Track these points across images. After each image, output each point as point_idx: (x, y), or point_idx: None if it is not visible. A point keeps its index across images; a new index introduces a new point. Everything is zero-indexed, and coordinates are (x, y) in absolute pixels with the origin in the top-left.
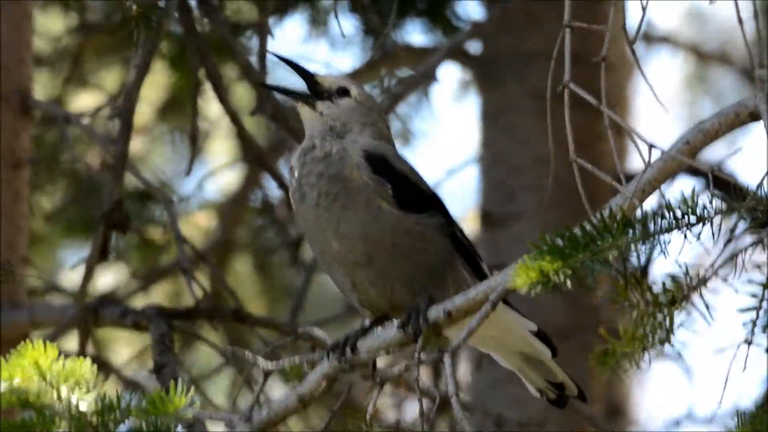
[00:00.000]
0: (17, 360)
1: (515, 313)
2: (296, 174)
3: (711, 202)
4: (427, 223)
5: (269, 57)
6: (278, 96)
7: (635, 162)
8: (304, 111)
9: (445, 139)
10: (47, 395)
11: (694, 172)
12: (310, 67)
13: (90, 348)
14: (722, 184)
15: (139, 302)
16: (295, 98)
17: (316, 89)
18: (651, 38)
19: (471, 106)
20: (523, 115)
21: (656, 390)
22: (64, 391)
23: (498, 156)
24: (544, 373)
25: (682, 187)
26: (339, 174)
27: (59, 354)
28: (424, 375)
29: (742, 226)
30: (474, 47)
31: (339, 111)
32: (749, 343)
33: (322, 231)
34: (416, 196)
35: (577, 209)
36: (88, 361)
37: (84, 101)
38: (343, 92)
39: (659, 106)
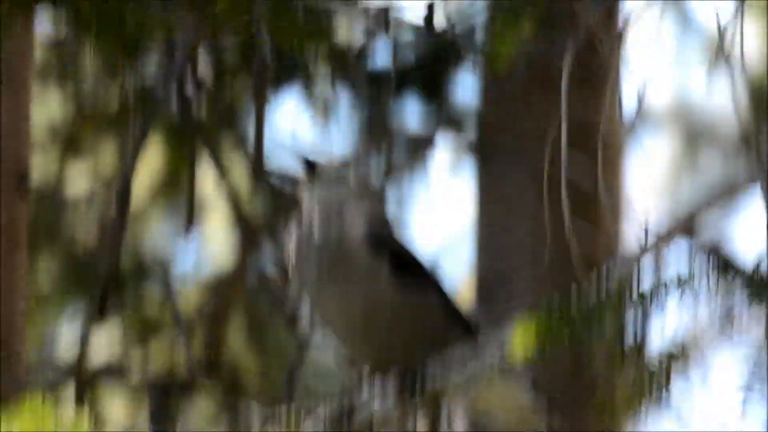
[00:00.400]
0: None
1: (509, 380)
2: (293, 255)
3: (708, 279)
4: (425, 299)
5: (266, 135)
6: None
7: (630, 239)
8: (301, 192)
9: (441, 210)
10: None
11: (691, 243)
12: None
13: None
14: (720, 259)
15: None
16: (290, 182)
17: (313, 172)
18: (643, 119)
19: (465, 183)
20: (520, 196)
21: None
22: None
23: (494, 230)
24: None
25: (678, 257)
26: (337, 255)
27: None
28: None
29: (740, 300)
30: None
31: (335, 191)
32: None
33: (321, 302)
34: (413, 273)
35: (573, 280)
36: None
37: (81, 182)
38: (341, 177)
39: (654, 183)
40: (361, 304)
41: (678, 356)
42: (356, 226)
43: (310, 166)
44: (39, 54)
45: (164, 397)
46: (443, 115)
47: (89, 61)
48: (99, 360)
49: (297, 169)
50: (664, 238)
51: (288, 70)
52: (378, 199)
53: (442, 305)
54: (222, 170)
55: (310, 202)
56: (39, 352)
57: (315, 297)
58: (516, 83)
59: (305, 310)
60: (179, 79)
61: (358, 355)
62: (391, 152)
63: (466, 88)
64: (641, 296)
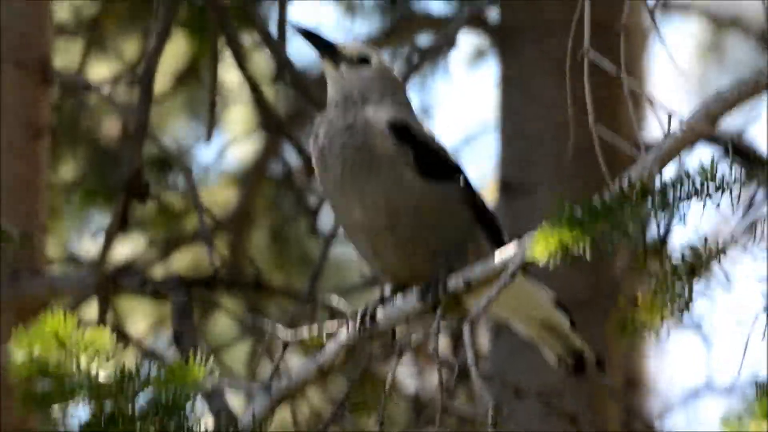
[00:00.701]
0: (37, 330)
1: (534, 282)
2: (319, 143)
3: (730, 171)
4: (450, 192)
5: (289, 26)
6: (299, 64)
7: (653, 131)
8: (329, 70)
9: (463, 107)
10: (66, 365)
11: (713, 140)
12: (329, 35)
13: (109, 318)
14: (741, 152)
15: (158, 272)
16: (321, 50)
17: (337, 57)
18: (667, 5)
19: (489, 75)
20: (542, 83)
21: (675, 360)
22: (83, 360)
23: (517, 125)
24: (563, 340)
25: (700, 156)
26: (363, 144)
27: (79, 324)
28: (443, 345)
29: (761, 194)
30: (492, 16)
31: (359, 78)
32: None
33: (345, 199)
34: (439, 165)
35: (596, 178)
36: (108, 330)
37: (103, 70)
38: (364, 60)
39: (675, 75)
40: (385, 195)
41: (701, 255)
42: (379, 113)
43: (330, 48)
44: None
45: (188, 297)
46: (466, 5)
47: None
48: (121, 260)
49: (317, 53)
50: (688, 131)
51: None
52: (400, 86)
53: (468, 198)
54: (244, 60)
55: (333, 89)
56: (62, 248)
57: (337, 191)
58: None
59: (329, 206)
60: None
61: (380, 257)
62: (413, 40)
63: None
64: (663, 189)
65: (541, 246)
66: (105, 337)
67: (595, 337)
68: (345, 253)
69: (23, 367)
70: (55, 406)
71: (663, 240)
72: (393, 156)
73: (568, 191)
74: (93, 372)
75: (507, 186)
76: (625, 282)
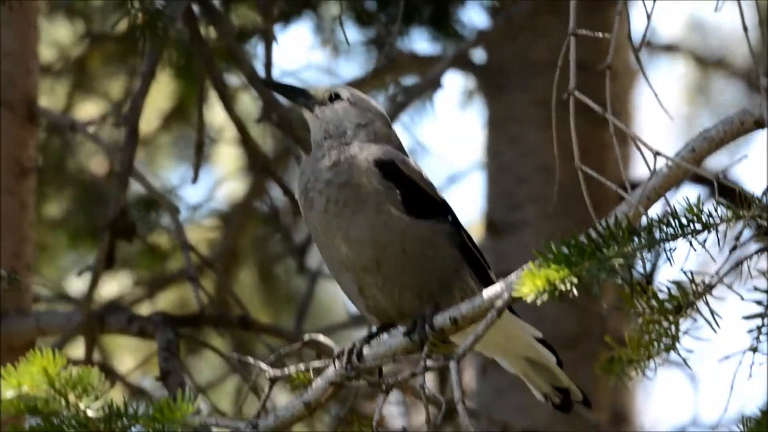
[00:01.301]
0: (25, 367)
1: (519, 320)
2: (304, 182)
3: (716, 210)
4: (436, 229)
5: (275, 65)
6: (284, 102)
7: (638, 170)
8: (306, 115)
9: (449, 146)
10: (55, 402)
11: (698, 180)
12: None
13: (95, 355)
14: (727, 192)
15: (144, 310)
16: (294, 100)
17: (310, 101)
18: (653, 47)
19: (475, 115)
20: (528, 124)
21: (661, 397)
22: (72, 398)
23: (503, 165)
24: (549, 378)
25: (685, 195)
26: (349, 181)
27: (67, 362)
28: (430, 382)
29: (747, 233)
30: (479, 56)
31: (333, 113)
32: (754, 350)
33: (330, 236)
34: (425, 202)
35: (581, 218)
36: (96, 368)
37: (89, 110)
38: (336, 96)
39: (661, 115)
40: (371, 231)
41: (688, 292)
42: (365, 151)
43: (301, 93)
44: None
45: (174, 335)
46: (452, 45)
47: None
48: (108, 297)
49: (291, 102)
50: (673, 169)
51: (299, 1)
52: (380, 115)
53: (455, 235)
54: (230, 100)
55: (313, 131)
56: (49, 286)
57: (323, 229)
58: (524, 11)
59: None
60: (188, 2)
61: (366, 295)
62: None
63: (474, 16)
64: (650, 227)
65: (528, 284)
66: (93, 374)
67: (582, 375)
68: (331, 291)
69: (11, 405)
70: None
71: (649, 278)
72: (379, 193)
73: (554, 231)
74: (81, 409)
75: (493, 225)
76: (611, 320)
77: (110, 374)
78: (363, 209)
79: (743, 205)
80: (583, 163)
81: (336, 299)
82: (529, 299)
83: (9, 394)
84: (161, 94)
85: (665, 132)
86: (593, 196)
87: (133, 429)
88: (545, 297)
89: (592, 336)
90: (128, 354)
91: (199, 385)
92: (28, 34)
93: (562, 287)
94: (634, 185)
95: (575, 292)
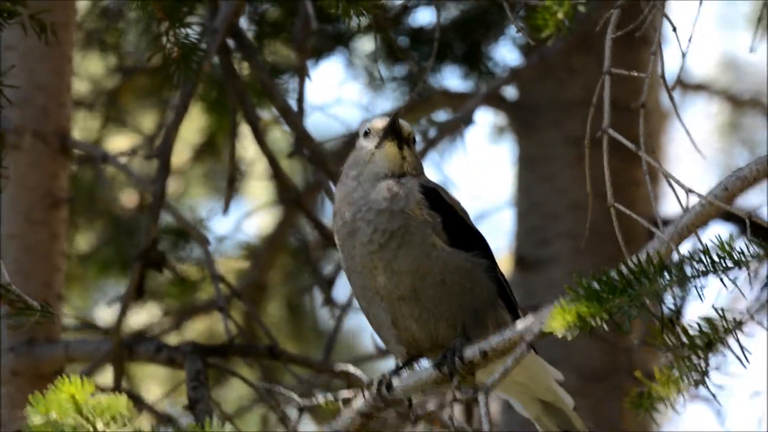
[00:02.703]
0: (54, 395)
1: (543, 361)
2: (350, 209)
3: (747, 248)
4: (476, 262)
5: (306, 99)
6: (316, 137)
7: (668, 208)
8: (390, 150)
9: (479, 182)
10: (83, 429)
11: (728, 218)
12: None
13: (124, 384)
14: (758, 230)
15: (172, 340)
16: (390, 136)
17: (401, 139)
18: (686, 86)
19: (504, 151)
20: (559, 162)
21: None
22: (100, 425)
23: (533, 202)
24: (562, 423)
25: (717, 233)
26: (402, 210)
27: (95, 389)
28: (457, 414)
29: None
30: (510, 93)
31: (413, 158)
32: None
33: (370, 265)
34: (464, 233)
35: (610, 255)
36: (124, 396)
37: (121, 143)
38: (414, 141)
39: (693, 154)
40: (414, 261)
41: (718, 328)
42: (411, 180)
43: (395, 120)
44: (81, 17)
45: (202, 364)
46: (484, 83)
47: (132, 23)
48: (137, 327)
49: (333, 128)
50: (706, 207)
51: (331, 37)
52: (419, 160)
53: (492, 269)
54: (262, 134)
55: (393, 158)
56: (78, 314)
57: (363, 258)
58: (557, 49)
59: (344, 277)
60: (222, 37)
61: (399, 326)
62: (431, 116)
63: (506, 54)
64: (681, 264)
65: (558, 319)
66: (121, 402)
67: (609, 410)
68: (358, 324)
69: (39, 431)
70: None
71: (679, 314)
72: (425, 222)
73: (584, 267)
74: None
75: (522, 261)
76: (639, 355)
77: (138, 402)
78: (411, 241)
79: None
80: (614, 200)
81: (363, 332)
82: (559, 334)
83: (37, 420)
84: (193, 127)
85: (697, 171)
86: (623, 233)
87: None
88: (576, 332)
89: (620, 370)
90: (156, 384)
91: (226, 414)
92: (63, 68)
93: (593, 323)
94: (665, 222)
95: (605, 327)
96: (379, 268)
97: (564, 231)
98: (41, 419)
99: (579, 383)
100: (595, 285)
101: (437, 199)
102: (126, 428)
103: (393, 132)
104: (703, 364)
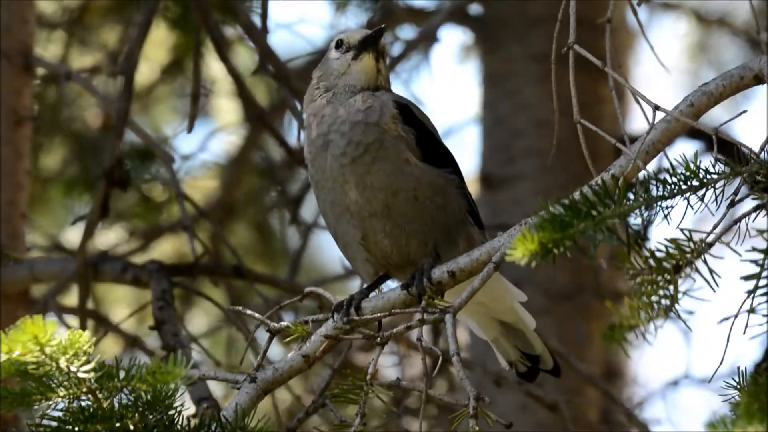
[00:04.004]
0: (17, 335)
1: (507, 281)
2: (324, 121)
3: (714, 166)
4: (448, 178)
5: (270, 16)
6: (281, 55)
7: (635, 126)
8: (368, 62)
9: (444, 100)
10: (46, 367)
11: (695, 135)
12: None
13: (89, 305)
14: (725, 147)
15: (138, 261)
16: (370, 48)
17: (378, 51)
18: (653, 4)
19: (471, 69)
20: (525, 78)
21: (654, 351)
22: (63, 362)
23: (499, 119)
24: (521, 344)
25: (681, 150)
26: (377, 123)
27: (57, 328)
28: (424, 334)
29: (744, 190)
30: (475, 9)
31: (387, 72)
32: (751, 311)
33: (341, 180)
34: (435, 148)
35: (576, 172)
36: (87, 333)
37: (86, 61)
38: (387, 55)
39: (659, 72)
40: (388, 176)
41: (685, 250)
42: (385, 95)
43: (381, 31)
44: None
45: (169, 284)
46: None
47: None
48: (104, 248)
49: (296, 45)
50: (672, 123)
51: None
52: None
53: (463, 186)
54: (227, 52)
55: (370, 71)
56: (44, 236)
57: (334, 172)
58: None
59: (312, 196)
60: None
61: (369, 243)
62: (396, 33)
63: None
64: (646, 185)
65: (520, 248)
66: (83, 339)
67: (575, 328)
68: (325, 243)
69: (3, 368)
70: (37, 405)
71: (645, 236)
72: (399, 137)
73: (549, 185)
74: (73, 371)
75: (488, 179)
76: (605, 274)
77: (103, 323)
78: (385, 155)
79: (741, 161)
80: (580, 117)
81: (330, 252)
82: (522, 263)
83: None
84: (158, 47)
85: (664, 89)
86: (590, 150)
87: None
88: (539, 259)
89: (586, 289)
90: (122, 305)
91: (193, 335)
92: None
93: (556, 250)
94: (632, 140)
95: (569, 255)
96: (350, 182)
97: (529, 148)
98: (5, 357)
99: (545, 302)
100: (559, 209)
101: (410, 114)
102: (89, 365)
103: (374, 44)
104: (672, 289)
